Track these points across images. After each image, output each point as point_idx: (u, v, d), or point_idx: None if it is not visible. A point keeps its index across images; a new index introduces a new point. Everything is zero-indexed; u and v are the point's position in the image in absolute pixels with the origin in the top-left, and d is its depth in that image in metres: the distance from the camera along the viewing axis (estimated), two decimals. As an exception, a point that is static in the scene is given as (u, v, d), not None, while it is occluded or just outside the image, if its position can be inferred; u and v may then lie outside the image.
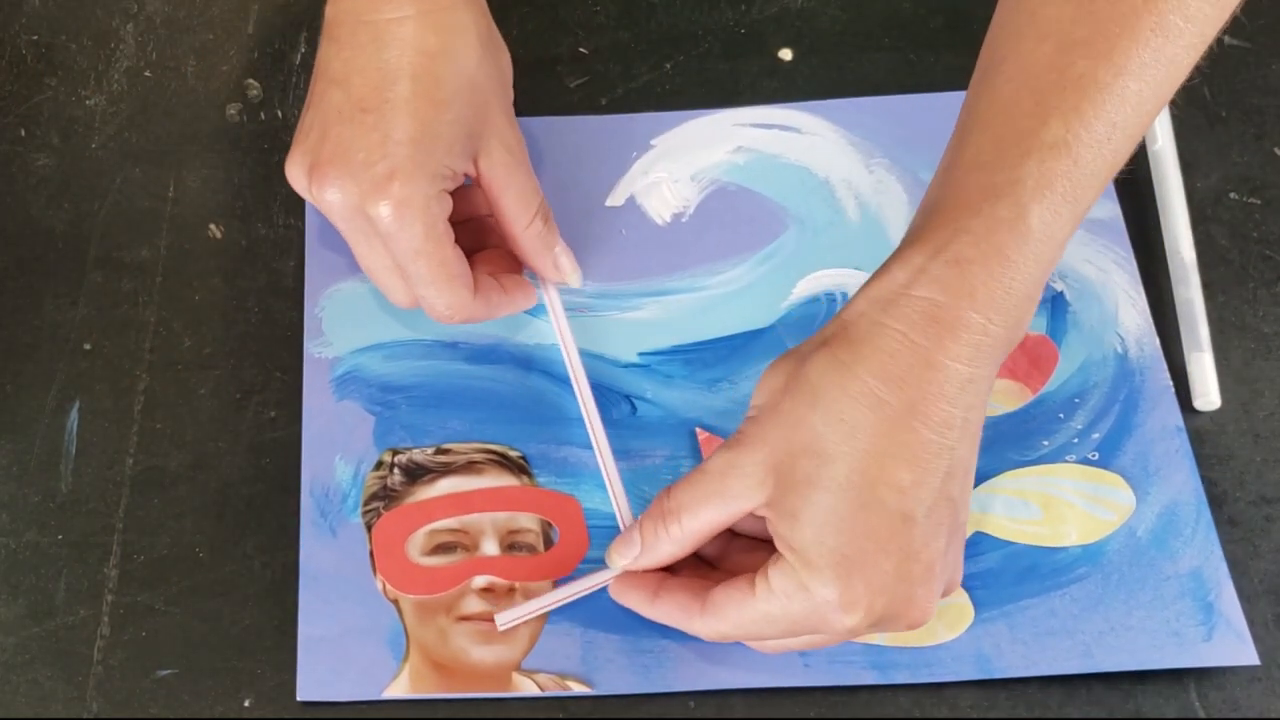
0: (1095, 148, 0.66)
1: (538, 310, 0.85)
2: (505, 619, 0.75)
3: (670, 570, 0.74)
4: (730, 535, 0.75)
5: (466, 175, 0.80)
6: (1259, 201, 0.91)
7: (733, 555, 0.74)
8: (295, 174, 0.79)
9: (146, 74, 0.95)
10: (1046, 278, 0.68)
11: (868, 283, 0.69)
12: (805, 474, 0.67)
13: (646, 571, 0.74)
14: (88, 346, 0.84)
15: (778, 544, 0.68)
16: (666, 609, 0.72)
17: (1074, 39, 0.66)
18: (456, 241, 0.78)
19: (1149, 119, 0.68)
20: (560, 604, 0.76)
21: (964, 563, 0.76)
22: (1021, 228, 0.65)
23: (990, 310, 0.65)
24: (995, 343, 0.66)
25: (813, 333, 0.70)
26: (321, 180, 0.76)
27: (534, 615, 0.76)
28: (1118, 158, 0.68)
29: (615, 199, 0.90)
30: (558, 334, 0.83)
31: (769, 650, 0.73)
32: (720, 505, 0.69)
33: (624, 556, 0.74)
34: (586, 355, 0.83)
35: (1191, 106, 0.94)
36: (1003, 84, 0.68)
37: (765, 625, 0.69)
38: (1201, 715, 0.75)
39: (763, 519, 0.69)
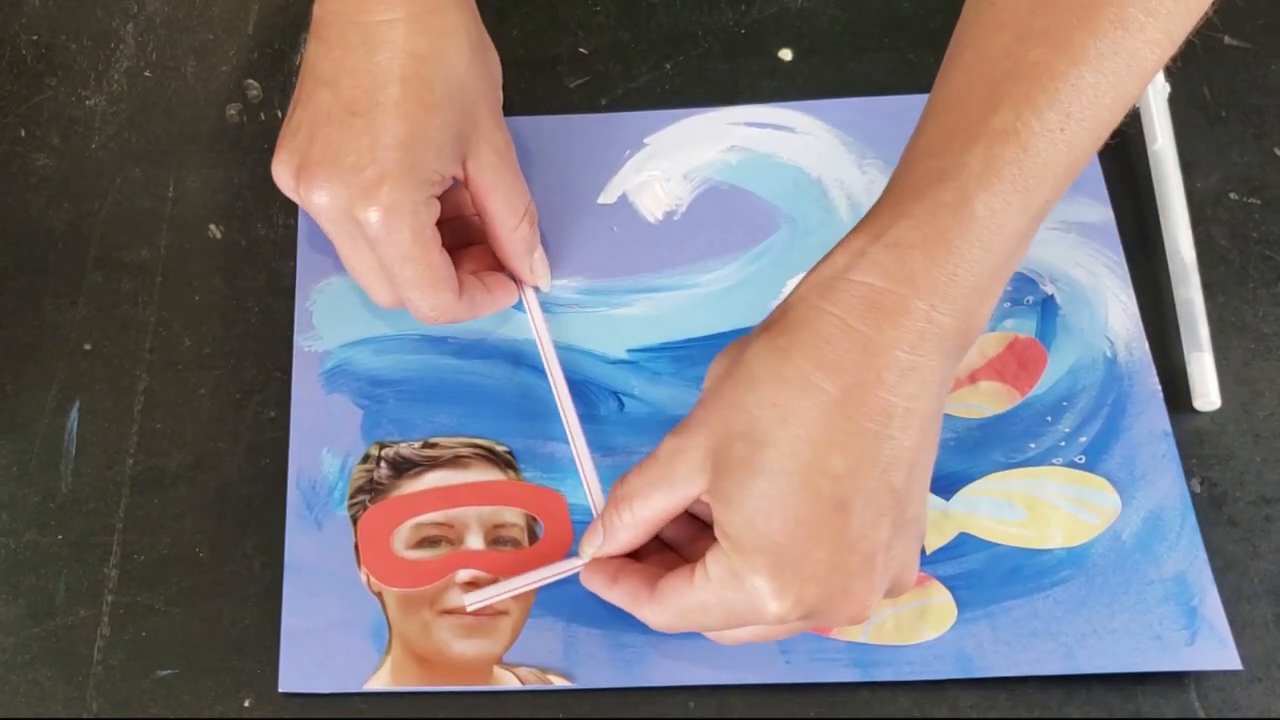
0: (1047, 137, 0.65)
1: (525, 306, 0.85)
2: (474, 599, 0.76)
3: (636, 557, 0.74)
4: (700, 525, 0.74)
5: (454, 177, 0.80)
6: (1259, 201, 0.90)
7: (696, 544, 0.74)
8: (281, 173, 0.79)
9: (146, 74, 0.95)
10: (1003, 271, 0.67)
11: (812, 268, 0.68)
12: (740, 458, 0.66)
13: (611, 557, 0.74)
14: (88, 346, 0.85)
15: (715, 529, 0.68)
16: (620, 594, 0.73)
17: (1030, 29, 0.66)
18: (441, 241, 0.79)
19: (1110, 114, 0.67)
20: (529, 588, 0.76)
21: (948, 563, 0.76)
22: (964, 213, 0.65)
23: (934, 297, 0.65)
24: (942, 332, 0.65)
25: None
26: (310, 182, 0.76)
27: (503, 596, 0.76)
28: (1075, 151, 0.66)
29: (607, 196, 0.90)
30: (534, 329, 0.83)
31: (725, 642, 0.73)
32: (668, 490, 0.70)
33: (591, 545, 0.74)
34: (575, 351, 0.84)
35: (1191, 106, 0.93)
36: (958, 74, 0.68)
37: (703, 613, 0.69)
38: (1201, 715, 0.74)
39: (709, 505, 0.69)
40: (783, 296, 0.84)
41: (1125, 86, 0.66)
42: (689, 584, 0.69)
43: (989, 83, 0.66)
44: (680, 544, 0.75)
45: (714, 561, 0.67)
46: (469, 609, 0.76)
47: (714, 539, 0.71)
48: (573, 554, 0.78)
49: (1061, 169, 0.66)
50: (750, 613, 0.67)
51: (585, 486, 0.79)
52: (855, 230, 0.67)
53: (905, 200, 0.66)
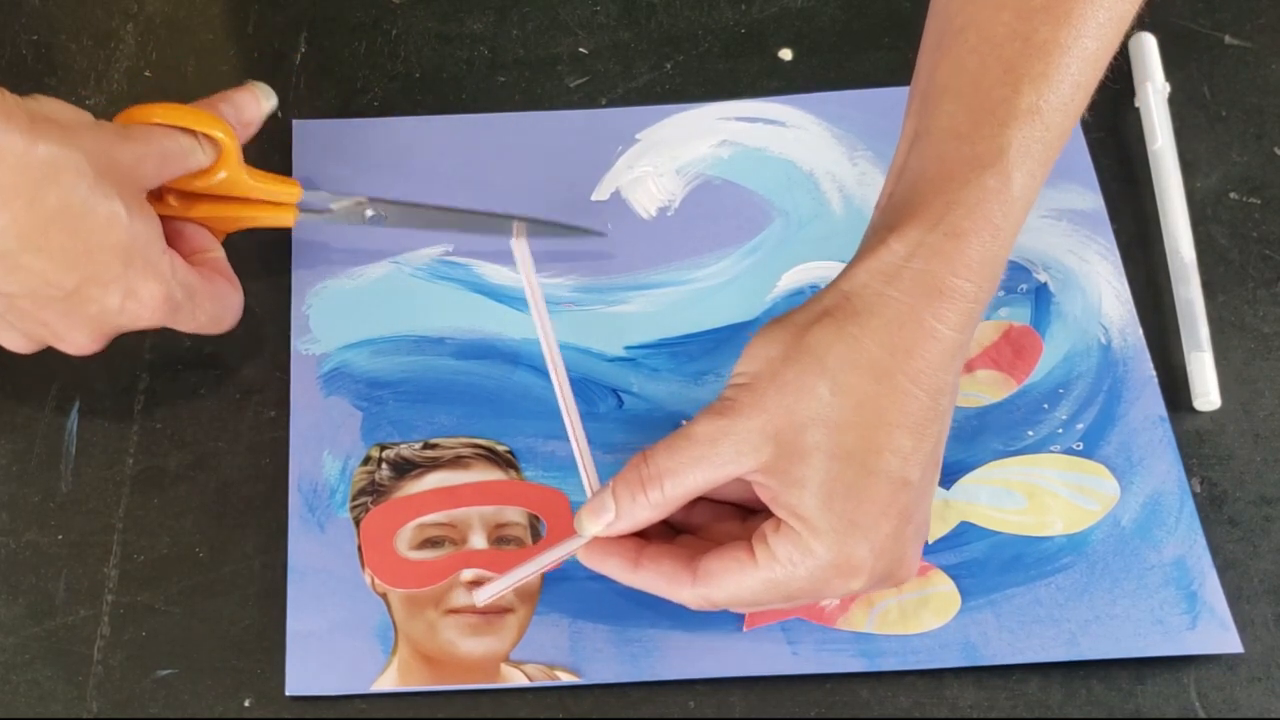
0: (1063, 109, 0.68)
1: (525, 305, 0.84)
2: (484, 595, 0.76)
3: (640, 535, 0.73)
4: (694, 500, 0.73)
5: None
6: (1259, 201, 0.90)
7: (697, 518, 0.74)
8: None
9: (146, 74, 0.95)
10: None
11: (863, 256, 0.69)
12: (813, 443, 0.67)
13: (623, 538, 0.72)
14: (88, 346, 0.85)
15: (779, 511, 0.68)
16: (650, 577, 0.71)
17: (1031, 6, 0.68)
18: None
19: (1101, 74, 0.70)
20: (534, 574, 0.76)
21: (950, 552, 0.78)
22: (1007, 196, 0.67)
23: (980, 279, 0.67)
24: (979, 309, 0.68)
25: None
26: None
27: (512, 586, 0.76)
28: (1079, 114, 0.70)
29: (600, 193, 0.90)
30: (538, 327, 0.83)
31: (754, 611, 0.74)
32: (708, 470, 0.69)
33: (597, 522, 0.72)
34: (573, 349, 0.84)
35: (1191, 106, 0.94)
36: (967, 54, 0.69)
37: (765, 592, 0.69)
38: (1201, 715, 0.74)
39: (737, 483, 0.69)
40: (778, 290, 0.86)
41: (1114, 46, 0.70)
42: (750, 565, 0.69)
43: (1002, 63, 0.68)
44: (678, 519, 0.74)
45: (781, 542, 0.68)
46: (479, 605, 0.76)
47: (717, 513, 0.73)
48: None
49: (1069, 133, 0.70)
50: (821, 589, 0.69)
51: (584, 482, 0.78)
52: (906, 218, 0.68)
53: (950, 187, 0.67)
